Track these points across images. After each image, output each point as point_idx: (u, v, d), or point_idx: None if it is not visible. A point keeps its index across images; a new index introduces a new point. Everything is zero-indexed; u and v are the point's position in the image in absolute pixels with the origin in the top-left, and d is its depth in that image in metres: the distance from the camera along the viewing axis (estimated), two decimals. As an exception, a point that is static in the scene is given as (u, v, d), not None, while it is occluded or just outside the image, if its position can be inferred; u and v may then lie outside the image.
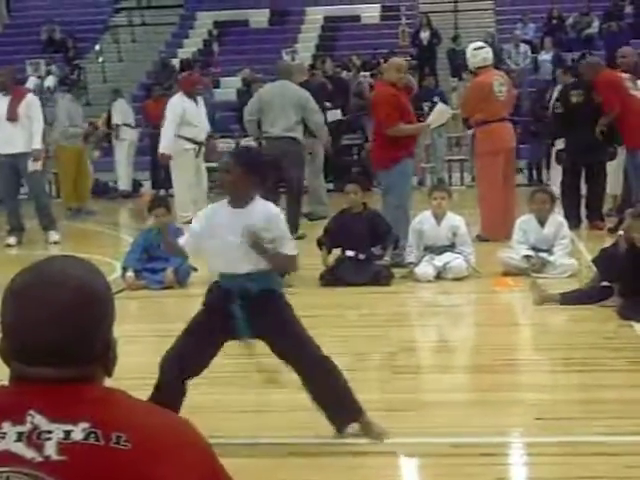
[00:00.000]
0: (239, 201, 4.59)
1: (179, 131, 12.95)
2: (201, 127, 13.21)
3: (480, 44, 11.43)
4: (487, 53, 10.94)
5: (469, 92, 11.32)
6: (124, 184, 18.05)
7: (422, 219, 9.02)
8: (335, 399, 4.57)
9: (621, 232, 7.64)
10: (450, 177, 17.21)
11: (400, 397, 5.46)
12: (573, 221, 11.19)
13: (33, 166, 11.82)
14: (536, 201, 8.95)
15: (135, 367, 5.31)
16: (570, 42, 22.10)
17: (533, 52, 21.37)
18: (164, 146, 12.99)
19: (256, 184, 4.60)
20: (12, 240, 12.02)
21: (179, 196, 13.31)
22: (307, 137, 12.20)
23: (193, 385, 4.65)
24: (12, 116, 11.59)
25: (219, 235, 4.60)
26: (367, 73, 20.41)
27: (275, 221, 4.62)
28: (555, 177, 14.77)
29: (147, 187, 18.19)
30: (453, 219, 8.97)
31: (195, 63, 21.83)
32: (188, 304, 8.48)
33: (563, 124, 11.80)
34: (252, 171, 4.57)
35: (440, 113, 10.60)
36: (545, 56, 20.85)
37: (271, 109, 11.60)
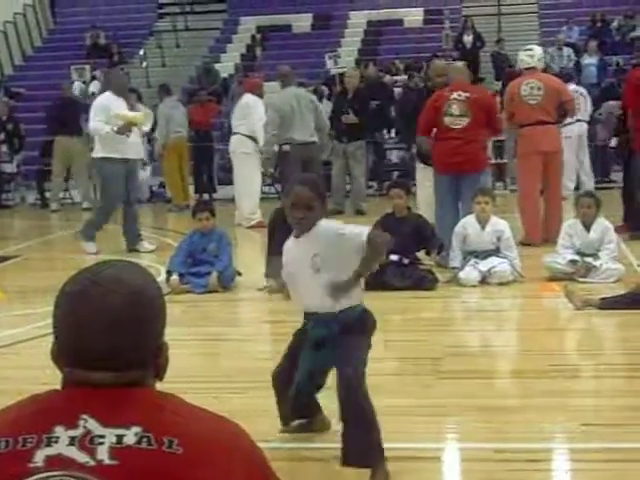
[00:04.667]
0: (307, 229, 4.40)
1: (249, 131, 12.91)
2: None
3: (530, 47, 11.44)
4: (529, 56, 10.91)
5: (504, 96, 11.36)
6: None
7: (466, 224, 8.99)
8: (355, 435, 4.27)
9: None
10: (493, 181, 17.12)
11: (444, 402, 5.44)
12: (632, 224, 11.13)
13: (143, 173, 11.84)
14: (581, 205, 8.90)
15: (179, 371, 5.33)
16: (615, 45, 21.94)
17: (576, 55, 21.23)
18: (267, 148, 12.44)
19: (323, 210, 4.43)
20: (148, 245, 11.54)
21: (248, 199, 13.22)
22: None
23: (241, 390, 4.67)
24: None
25: (294, 271, 4.46)
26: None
27: (339, 235, 4.32)
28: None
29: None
30: (497, 223, 8.93)
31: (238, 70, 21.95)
32: (232, 308, 8.56)
33: (622, 123, 11.94)
34: (324, 198, 4.43)
35: None
36: (589, 60, 20.70)
37: (294, 117, 11.63)
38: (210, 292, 8.83)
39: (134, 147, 11.22)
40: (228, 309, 8.53)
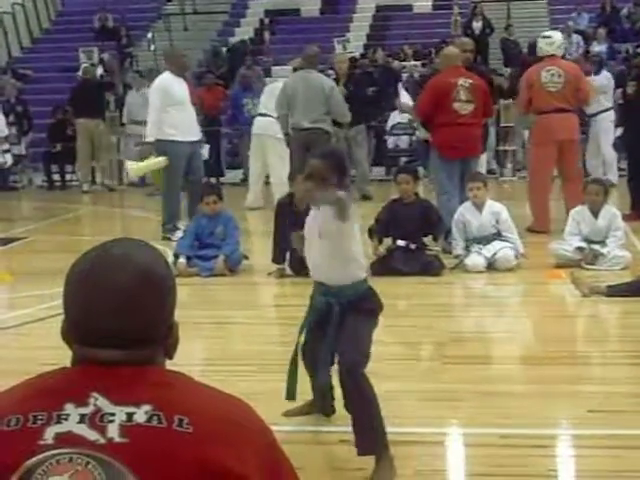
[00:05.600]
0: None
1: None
2: None
3: (549, 33, 11.40)
4: (546, 44, 10.87)
5: (520, 82, 11.30)
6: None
7: (463, 210, 9.05)
8: (360, 421, 4.29)
9: None
10: (501, 168, 17.09)
11: (449, 387, 5.45)
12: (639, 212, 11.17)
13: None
14: (589, 192, 8.89)
15: (186, 354, 5.33)
16: (624, 33, 21.86)
17: (585, 43, 21.15)
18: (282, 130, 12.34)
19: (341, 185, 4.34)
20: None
21: (282, 178, 12.97)
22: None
23: (248, 373, 4.68)
24: (195, 101, 11.17)
25: (308, 240, 4.44)
26: (418, 63, 20.37)
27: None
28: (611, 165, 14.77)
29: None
30: (494, 206, 9.03)
31: (245, 50, 21.88)
32: (239, 292, 8.57)
33: (622, 113, 11.93)
34: (343, 171, 4.38)
35: None
36: (598, 47, 20.62)
37: (298, 101, 11.54)
38: (217, 275, 8.84)
39: (194, 128, 11.02)
40: (235, 292, 8.54)
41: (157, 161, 10.51)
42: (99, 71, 20.54)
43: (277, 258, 8.77)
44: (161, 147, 10.68)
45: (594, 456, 4.44)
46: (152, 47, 23.19)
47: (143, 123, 16.05)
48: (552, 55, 10.82)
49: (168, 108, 10.56)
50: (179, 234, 10.12)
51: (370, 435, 4.24)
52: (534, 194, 10.89)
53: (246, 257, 9.22)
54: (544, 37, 11.11)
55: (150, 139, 10.73)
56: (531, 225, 10.61)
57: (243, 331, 7.14)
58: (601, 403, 5.11)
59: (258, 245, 10.43)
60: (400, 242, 8.69)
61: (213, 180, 17.07)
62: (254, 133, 13.60)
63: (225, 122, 18.29)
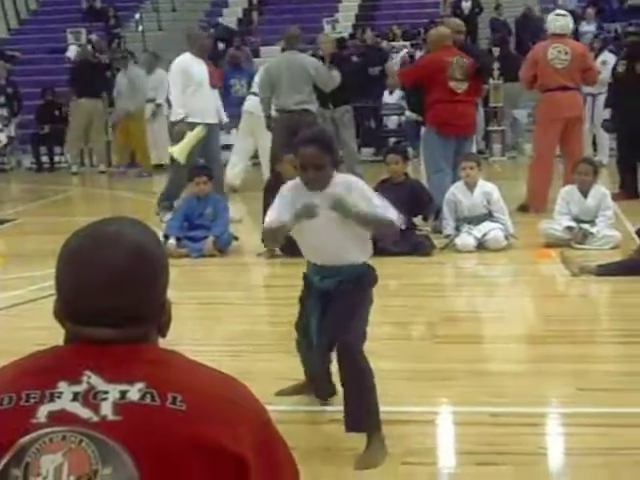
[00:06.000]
0: (322, 187, 4.28)
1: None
2: None
3: (558, 12, 11.39)
4: (554, 21, 10.85)
5: (526, 59, 11.24)
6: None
7: (455, 190, 9.04)
8: (354, 398, 4.28)
9: None
10: (491, 148, 17.10)
11: (439, 366, 5.47)
12: (628, 192, 11.17)
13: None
14: (579, 172, 8.90)
15: (176, 334, 5.33)
16: (613, 12, 21.83)
17: (575, 22, 21.06)
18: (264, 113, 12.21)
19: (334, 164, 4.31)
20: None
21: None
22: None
23: (238, 353, 4.68)
24: (214, 82, 11.05)
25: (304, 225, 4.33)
26: (407, 43, 20.34)
27: (356, 187, 4.28)
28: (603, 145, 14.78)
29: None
30: (485, 186, 9.01)
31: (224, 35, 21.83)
32: (229, 272, 8.58)
33: (611, 93, 12.04)
34: (333, 152, 4.31)
35: None
36: (587, 27, 20.58)
37: (282, 84, 11.49)
38: (206, 256, 8.85)
39: (211, 110, 10.84)
40: (224, 273, 8.55)
41: (195, 133, 10.42)
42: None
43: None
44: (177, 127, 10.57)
45: (584, 434, 4.47)
46: (140, 28, 23.12)
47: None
48: (559, 33, 10.78)
49: (186, 89, 10.47)
50: (169, 216, 10.08)
51: (361, 413, 4.24)
52: (536, 172, 10.75)
53: (236, 238, 9.22)
54: (555, 15, 11.07)
55: (180, 117, 10.58)
56: (526, 204, 10.54)
57: (233, 311, 7.14)
58: (591, 381, 5.13)
59: (247, 226, 10.42)
60: (390, 222, 8.68)
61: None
62: (245, 110, 13.54)
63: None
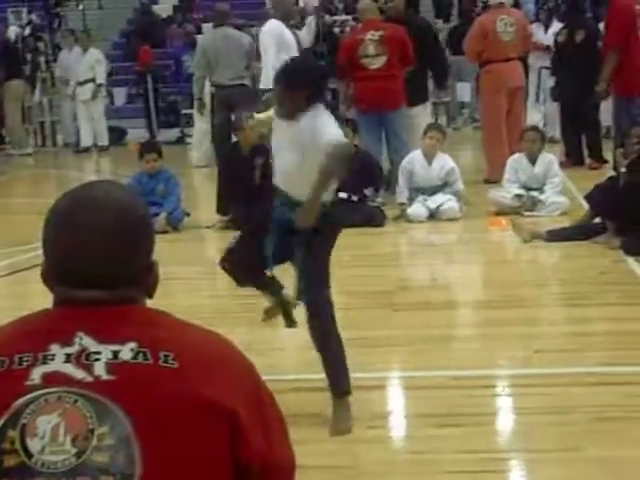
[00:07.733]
0: (289, 116, 4.29)
1: None
2: None
3: None
4: None
5: (471, 31, 11.19)
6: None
7: (412, 159, 9.01)
8: (336, 359, 4.36)
9: (623, 168, 7.70)
10: (436, 120, 17.15)
11: (399, 333, 5.55)
12: (573, 159, 11.29)
13: None
14: (526, 140, 8.99)
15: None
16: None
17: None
18: (196, 90, 12.24)
19: (305, 97, 4.22)
20: None
21: None
22: None
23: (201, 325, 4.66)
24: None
25: (277, 149, 4.42)
26: (349, 17, 20.27)
27: (320, 116, 4.25)
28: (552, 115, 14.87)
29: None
30: (444, 159, 8.99)
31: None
32: (181, 248, 8.55)
33: (554, 62, 12.19)
34: (310, 86, 4.27)
35: None
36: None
37: (218, 59, 11.44)
38: (159, 233, 8.79)
39: None
40: (178, 249, 8.51)
41: None
42: (26, 32, 20.22)
43: (221, 209, 8.84)
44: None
45: (541, 394, 4.57)
46: (80, 6, 22.84)
47: (76, 83, 16.09)
48: (501, 3, 10.82)
49: (280, 54, 10.19)
50: None
51: (346, 372, 4.32)
52: (490, 144, 10.77)
53: (187, 214, 9.21)
54: None
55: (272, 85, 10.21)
56: (487, 176, 10.51)
57: (189, 286, 7.15)
58: (547, 343, 5.24)
59: (201, 202, 10.42)
60: (342, 194, 8.71)
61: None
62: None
63: (162, 80, 18.18)
